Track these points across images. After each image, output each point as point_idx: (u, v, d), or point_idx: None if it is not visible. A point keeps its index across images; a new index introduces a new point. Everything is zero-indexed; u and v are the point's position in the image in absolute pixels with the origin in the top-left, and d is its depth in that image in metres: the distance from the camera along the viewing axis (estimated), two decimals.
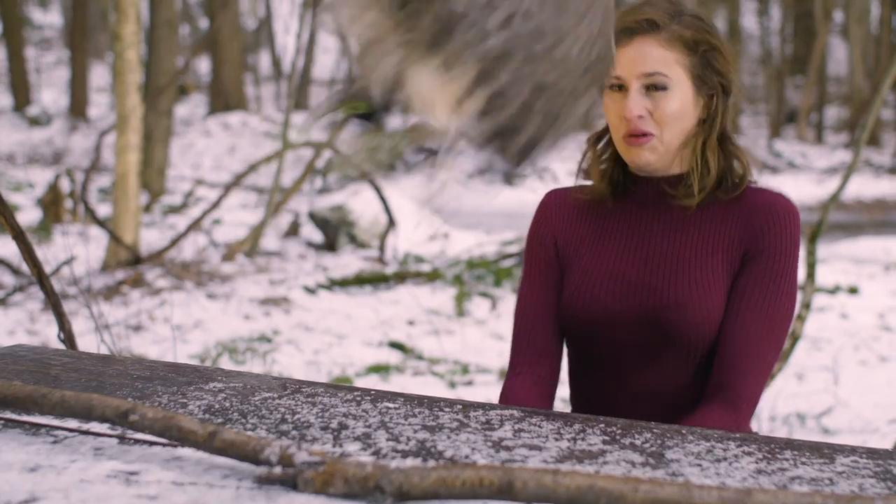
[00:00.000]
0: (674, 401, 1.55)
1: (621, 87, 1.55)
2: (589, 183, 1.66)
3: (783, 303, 1.53)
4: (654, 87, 1.53)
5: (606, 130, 1.65)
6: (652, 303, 1.53)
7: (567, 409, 1.71)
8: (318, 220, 8.99)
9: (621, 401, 1.58)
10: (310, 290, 6.92)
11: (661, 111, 1.53)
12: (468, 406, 1.34)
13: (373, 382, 4.97)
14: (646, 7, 1.56)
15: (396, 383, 4.96)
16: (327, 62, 28.11)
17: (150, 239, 9.09)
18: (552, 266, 1.65)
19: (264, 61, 29.65)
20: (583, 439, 1.21)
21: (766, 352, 1.52)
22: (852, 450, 1.21)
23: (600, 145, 1.65)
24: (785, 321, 1.53)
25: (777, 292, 1.52)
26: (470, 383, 5.03)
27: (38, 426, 1.18)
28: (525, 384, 1.61)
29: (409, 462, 0.98)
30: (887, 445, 3.65)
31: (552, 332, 1.63)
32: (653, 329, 1.53)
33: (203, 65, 25.23)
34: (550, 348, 1.63)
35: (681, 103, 1.53)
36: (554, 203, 1.68)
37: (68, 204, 10.11)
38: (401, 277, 7.39)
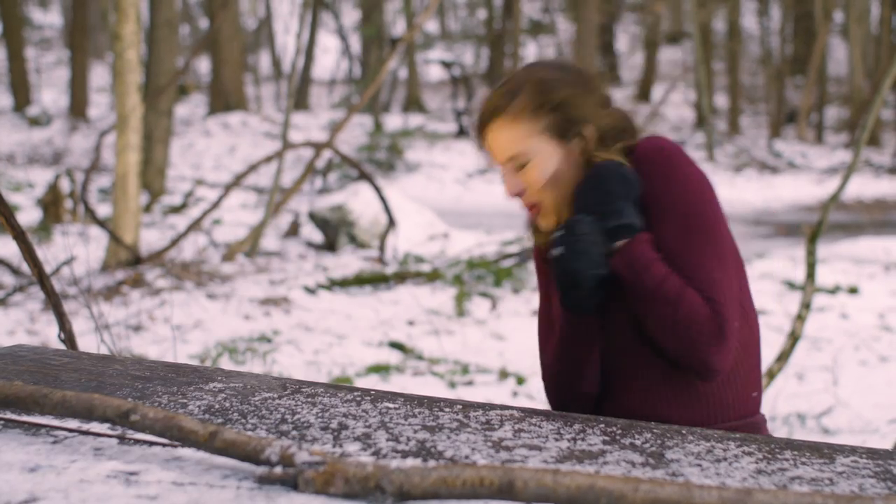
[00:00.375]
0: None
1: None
2: None
3: (700, 218, 1.52)
4: (519, 166, 1.61)
5: None
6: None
7: None
8: (318, 220, 8.98)
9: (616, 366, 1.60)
10: (310, 290, 6.91)
11: (532, 182, 1.60)
12: (468, 406, 1.34)
13: (373, 382, 4.97)
14: (489, 97, 1.65)
15: (396, 383, 4.96)
16: (327, 62, 28.12)
17: (150, 239, 9.09)
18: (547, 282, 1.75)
19: (264, 61, 29.66)
20: (583, 439, 1.21)
21: (707, 258, 1.51)
22: (852, 450, 1.21)
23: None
24: (713, 226, 1.53)
25: (688, 215, 1.52)
26: (470, 383, 5.03)
27: (39, 426, 1.18)
28: None
29: (410, 462, 0.98)
30: (887, 445, 3.65)
31: None
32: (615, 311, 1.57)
33: (203, 65, 25.23)
34: None
35: (548, 165, 1.59)
36: None
37: (68, 204, 10.11)
38: (401, 277, 7.38)
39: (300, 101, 21.38)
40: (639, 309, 1.52)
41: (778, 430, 4.30)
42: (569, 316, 1.58)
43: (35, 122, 19.05)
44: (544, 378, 1.69)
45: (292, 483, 0.98)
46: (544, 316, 1.74)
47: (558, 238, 1.54)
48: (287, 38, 27.75)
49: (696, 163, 1.58)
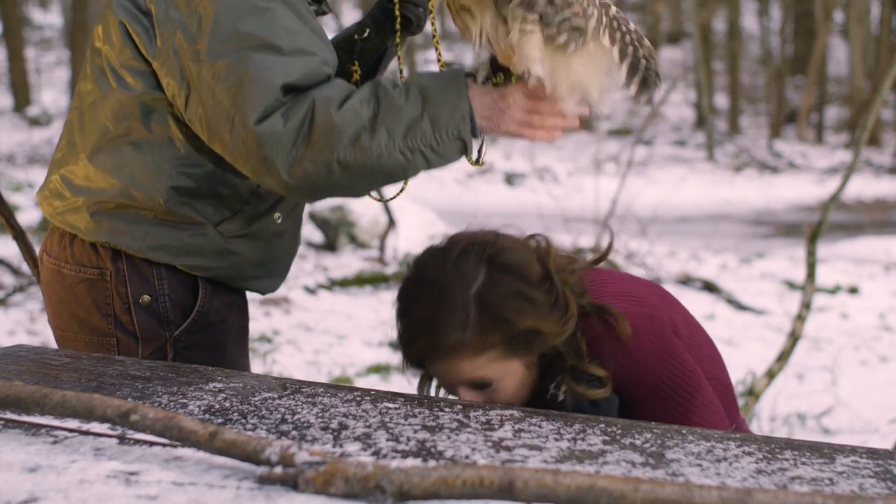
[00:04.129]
0: None
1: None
2: None
3: (672, 386, 1.47)
4: (479, 386, 1.48)
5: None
6: None
7: None
8: (319, 220, 8.98)
9: None
10: (310, 290, 6.91)
11: (498, 399, 1.48)
12: (468, 406, 1.34)
13: (373, 382, 4.97)
14: (435, 321, 1.44)
15: (396, 383, 4.96)
16: None
17: None
18: None
19: None
20: (583, 439, 1.21)
21: (696, 417, 1.47)
22: (852, 450, 1.21)
23: None
24: (687, 384, 1.48)
25: (659, 389, 1.47)
26: None
27: (39, 426, 1.18)
28: None
29: (410, 462, 0.98)
30: (887, 445, 3.65)
31: None
32: None
33: None
34: None
35: (514, 383, 1.48)
36: None
37: None
38: (401, 277, 7.38)
39: None
40: None
41: (778, 430, 4.30)
42: None
43: (35, 122, 19.04)
44: None
45: (292, 483, 0.98)
46: None
47: None
48: None
49: (646, 320, 1.48)
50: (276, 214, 1.74)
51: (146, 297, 1.67)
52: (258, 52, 1.49)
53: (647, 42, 1.47)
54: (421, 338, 1.47)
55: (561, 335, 1.47)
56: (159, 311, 1.68)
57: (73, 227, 1.69)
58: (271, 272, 1.82)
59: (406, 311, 1.50)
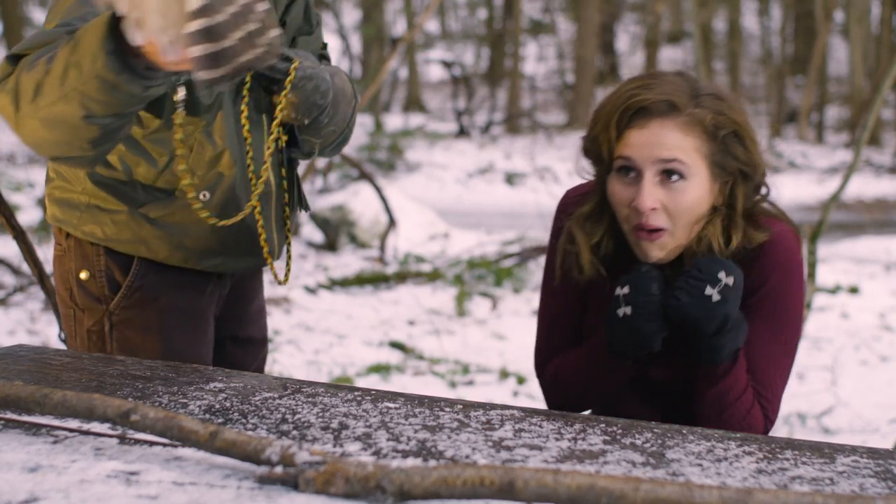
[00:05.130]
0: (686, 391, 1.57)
1: (630, 171, 1.47)
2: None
3: (784, 327, 1.54)
4: (669, 176, 1.44)
5: (597, 210, 1.55)
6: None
7: None
8: (319, 220, 8.98)
9: (636, 393, 1.59)
10: (310, 290, 6.92)
11: (676, 204, 1.45)
12: (468, 406, 1.35)
13: (373, 382, 4.97)
14: (662, 84, 1.47)
15: (397, 383, 4.96)
16: None
17: None
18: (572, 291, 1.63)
19: None
20: (583, 439, 1.21)
21: (775, 370, 1.57)
22: (853, 449, 1.21)
23: (591, 226, 1.56)
24: (789, 340, 1.55)
25: (780, 324, 1.53)
26: (470, 383, 5.03)
27: (39, 426, 1.18)
28: None
29: (410, 462, 0.98)
30: (888, 445, 3.65)
31: (576, 324, 1.65)
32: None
33: None
34: (576, 338, 1.64)
35: (697, 195, 1.46)
36: (573, 203, 1.62)
37: None
38: (401, 277, 7.38)
39: None
40: (699, 390, 1.50)
41: (778, 430, 4.29)
42: (612, 359, 1.52)
43: None
44: (549, 377, 1.64)
45: (293, 483, 0.98)
46: (565, 325, 1.64)
47: (627, 296, 1.45)
48: None
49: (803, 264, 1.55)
50: (203, 193, 1.74)
51: (85, 273, 1.78)
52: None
53: (269, 32, 1.22)
54: (646, 91, 1.46)
55: (756, 162, 1.50)
56: (95, 285, 1.78)
57: (48, 216, 1.85)
58: (220, 251, 1.80)
59: (631, 79, 1.51)
